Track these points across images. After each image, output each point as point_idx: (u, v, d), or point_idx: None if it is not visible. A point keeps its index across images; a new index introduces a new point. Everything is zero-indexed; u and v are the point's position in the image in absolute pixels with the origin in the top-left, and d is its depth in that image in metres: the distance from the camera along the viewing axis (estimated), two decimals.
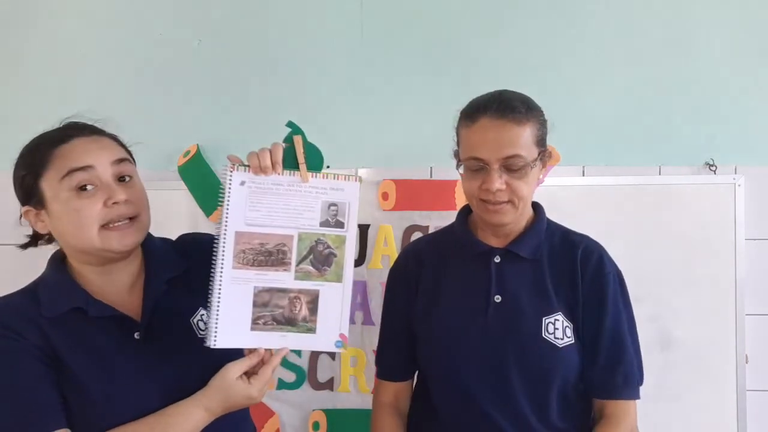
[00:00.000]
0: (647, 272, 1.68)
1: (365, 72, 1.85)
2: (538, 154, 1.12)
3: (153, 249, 1.10)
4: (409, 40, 1.84)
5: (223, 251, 1.03)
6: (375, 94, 1.85)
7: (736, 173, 1.74)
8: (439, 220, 1.65)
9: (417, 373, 1.29)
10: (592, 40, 1.81)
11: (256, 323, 1.04)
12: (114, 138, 1.08)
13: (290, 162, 1.06)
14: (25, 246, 1.11)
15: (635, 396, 1.16)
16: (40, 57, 1.91)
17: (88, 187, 0.99)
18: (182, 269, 1.11)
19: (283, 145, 1.07)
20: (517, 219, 1.16)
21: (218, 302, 1.02)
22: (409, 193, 1.79)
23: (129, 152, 1.10)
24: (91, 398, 0.96)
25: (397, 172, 1.81)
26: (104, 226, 0.99)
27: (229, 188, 1.04)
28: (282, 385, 1.81)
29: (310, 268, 1.05)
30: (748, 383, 1.71)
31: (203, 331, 1.06)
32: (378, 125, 1.84)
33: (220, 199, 1.04)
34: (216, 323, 1.02)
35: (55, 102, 1.88)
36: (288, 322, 1.05)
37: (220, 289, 1.03)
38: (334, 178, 1.07)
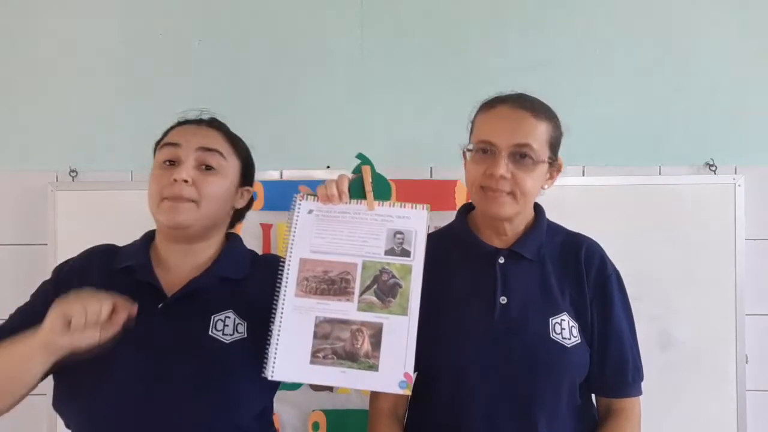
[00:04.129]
0: (647, 272, 1.68)
1: (365, 72, 1.85)
2: (548, 158, 1.13)
3: (231, 249, 1.16)
4: (409, 40, 1.84)
5: (287, 278, 1.01)
6: (375, 95, 1.85)
7: (736, 173, 1.75)
8: (439, 220, 1.65)
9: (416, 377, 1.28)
10: (593, 40, 1.81)
11: (315, 356, 0.98)
12: (226, 133, 1.16)
13: (358, 192, 1.06)
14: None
15: (641, 392, 1.19)
16: (40, 57, 1.91)
17: (168, 162, 1.09)
18: (243, 276, 1.12)
19: (350, 176, 1.07)
20: (516, 217, 1.16)
21: (279, 331, 0.99)
22: (409, 193, 1.79)
23: (243, 154, 1.18)
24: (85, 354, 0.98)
25: (397, 172, 1.80)
26: (162, 199, 1.07)
27: (297, 216, 1.05)
28: (282, 385, 1.79)
29: (374, 298, 1.00)
30: (748, 383, 1.71)
31: (217, 330, 1.04)
32: (378, 125, 1.84)
33: (288, 229, 1.05)
34: (275, 353, 0.99)
35: (55, 102, 1.88)
36: (349, 357, 0.98)
37: (281, 317, 1.00)
38: (401, 206, 1.04)
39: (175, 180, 1.05)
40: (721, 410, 1.71)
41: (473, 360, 1.13)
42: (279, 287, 1.01)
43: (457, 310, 1.16)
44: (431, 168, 1.81)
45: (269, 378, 0.99)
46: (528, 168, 1.10)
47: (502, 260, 1.17)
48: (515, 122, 1.10)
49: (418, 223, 1.03)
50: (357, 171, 1.09)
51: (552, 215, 1.25)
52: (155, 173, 1.10)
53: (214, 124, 1.18)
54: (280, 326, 0.99)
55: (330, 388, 1.80)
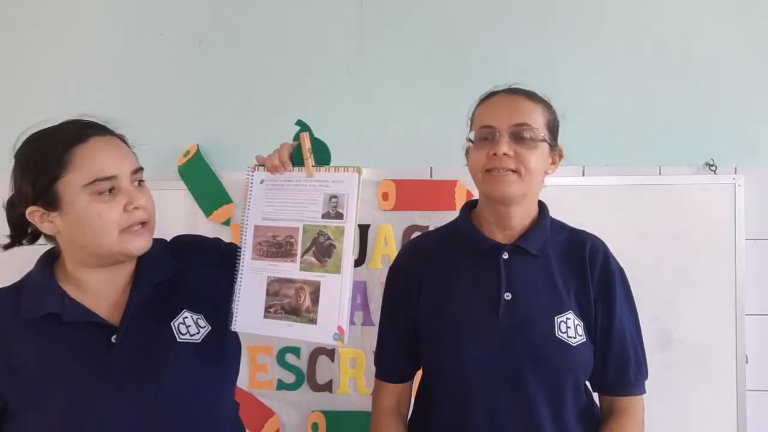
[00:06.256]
0: (647, 272, 1.68)
1: (365, 72, 1.85)
2: (548, 139, 1.15)
3: (148, 251, 1.07)
4: (409, 40, 1.84)
5: (244, 243, 1.13)
6: (375, 94, 1.85)
7: (736, 173, 1.74)
8: (439, 219, 1.65)
9: (420, 376, 1.27)
10: (593, 40, 1.81)
11: (268, 311, 1.10)
12: (122, 139, 1.06)
13: (300, 159, 1.11)
14: (7, 247, 1.08)
15: (644, 390, 1.19)
16: (41, 57, 1.91)
17: (109, 191, 0.99)
18: (173, 272, 1.10)
19: (292, 143, 1.12)
20: (522, 201, 1.15)
21: (239, 290, 1.11)
22: (409, 193, 1.79)
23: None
24: (53, 405, 0.93)
25: (397, 172, 1.80)
26: (123, 230, 1.00)
27: (251, 186, 1.14)
28: (281, 386, 1.81)
29: (313, 259, 1.08)
30: (748, 383, 1.71)
31: (183, 334, 1.06)
32: (378, 125, 1.84)
33: (245, 198, 1.15)
34: (236, 309, 1.11)
35: (56, 102, 1.88)
36: (293, 311, 1.08)
37: (241, 278, 1.12)
38: (335, 170, 1.10)
39: (135, 207, 1.00)
40: (721, 410, 1.70)
41: (477, 359, 1.13)
42: (239, 251, 1.13)
43: (460, 306, 1.16)
44: (431, 168, 1.81)
45: (232, 329, 1.11)
46: (529, 146, 1.12)
47: (506, 255, 1.17)
48: (512, 105, 1.15)
49: (349, 186, 1.09)
50: (297, 138, 1.14)
51: (552, 215, 1.25)
52: (96, 208, 0.97)
53: (109, 130, 1.05)
54: (240, 286, 1.11)
55: (329, 389, 1.80)
